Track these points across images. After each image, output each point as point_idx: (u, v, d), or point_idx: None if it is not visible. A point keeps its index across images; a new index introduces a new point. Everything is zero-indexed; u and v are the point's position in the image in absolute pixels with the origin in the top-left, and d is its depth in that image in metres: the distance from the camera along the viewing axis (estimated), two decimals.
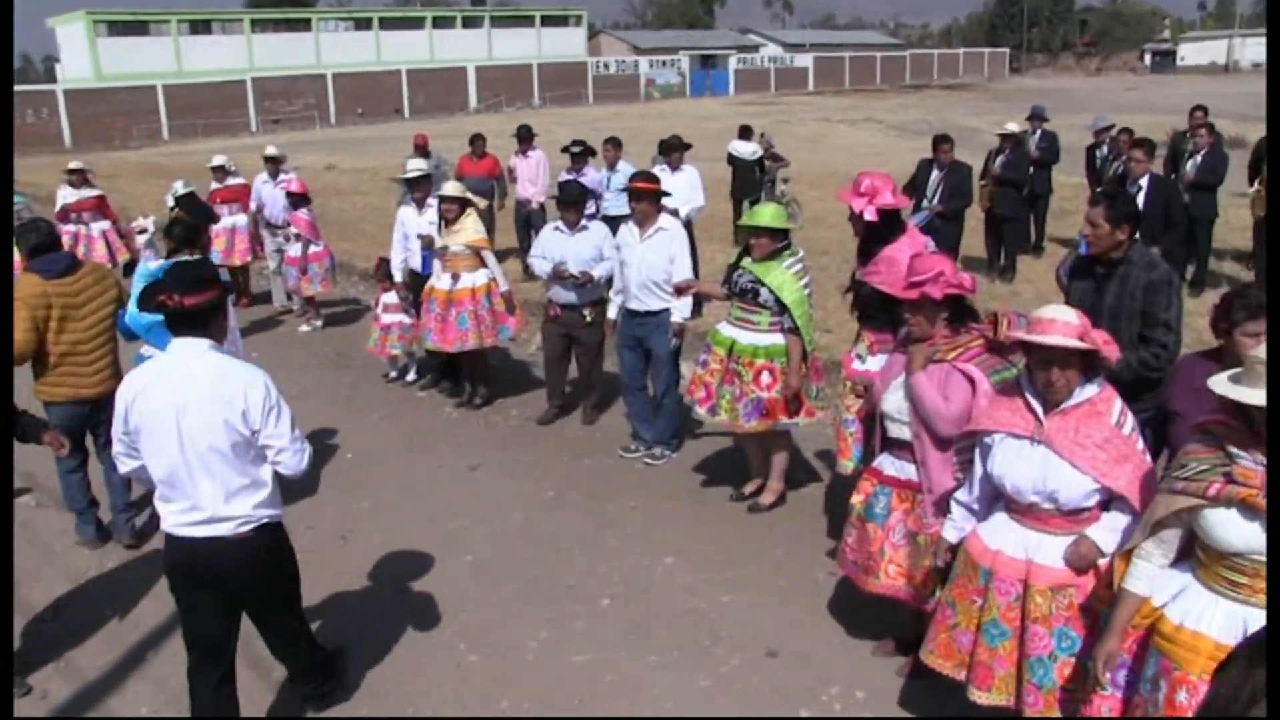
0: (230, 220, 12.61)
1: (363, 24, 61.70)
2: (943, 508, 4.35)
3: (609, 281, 7.74)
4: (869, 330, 5.60)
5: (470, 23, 65.89)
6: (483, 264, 8.45)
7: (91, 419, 6.29)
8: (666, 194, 7.57)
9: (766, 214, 6.22)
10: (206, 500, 3.93)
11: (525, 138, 13.62)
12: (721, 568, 5.94)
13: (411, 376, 9.66)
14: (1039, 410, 3.73)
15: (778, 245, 6.19)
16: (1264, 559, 3.06)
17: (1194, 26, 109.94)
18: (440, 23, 64.28)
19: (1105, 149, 12.98)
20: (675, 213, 8.56)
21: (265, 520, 4.07)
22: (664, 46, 74.65)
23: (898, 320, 4.72)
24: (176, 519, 3.98)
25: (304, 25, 59.53)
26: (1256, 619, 3.09)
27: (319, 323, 11.87)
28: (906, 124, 38.87)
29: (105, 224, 12.87)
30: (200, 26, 56.56)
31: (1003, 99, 52.77)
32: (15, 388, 5.36)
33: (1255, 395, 3.00)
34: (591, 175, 11.89)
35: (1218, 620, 3.18)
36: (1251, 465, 3.06)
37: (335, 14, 64.41)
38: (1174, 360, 4.77)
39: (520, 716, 4.68)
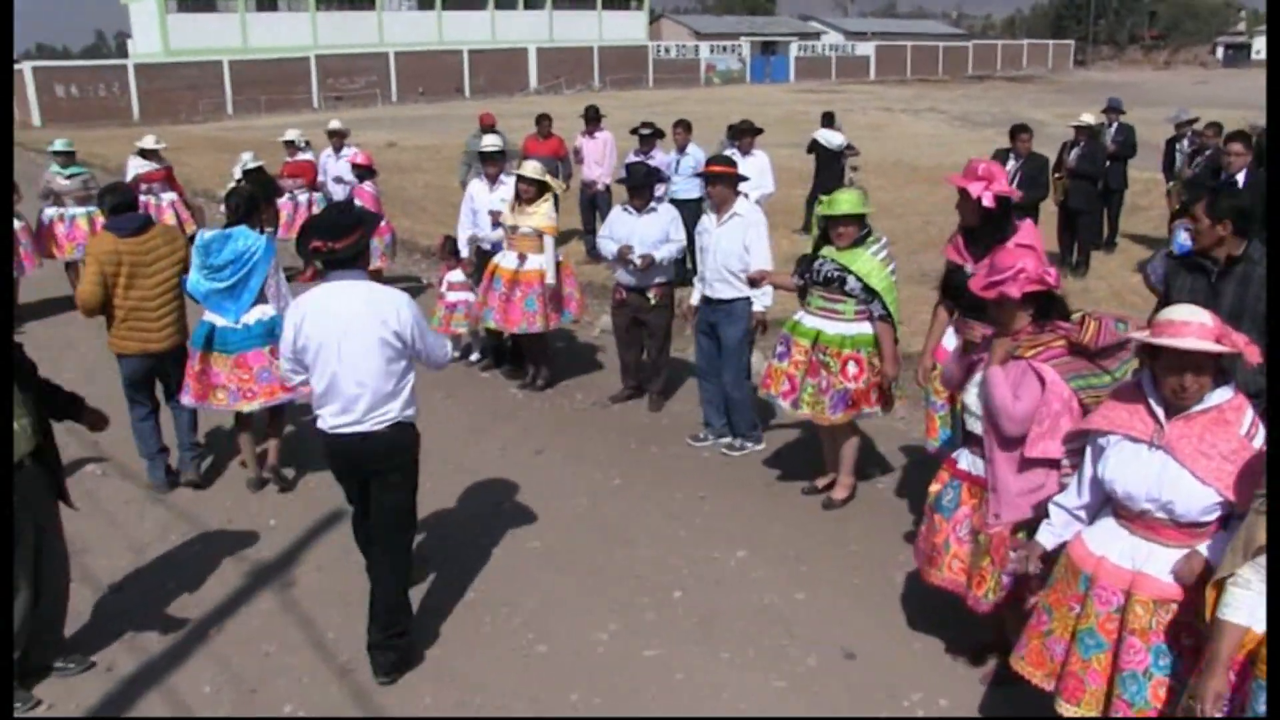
0: (295, 195, 12.65)
1: (425, 3, 61.76)
2: (1010, 509, 4.19)
3: (680, 263, 7.60)
4: (978, 323, 5.36)
5: (532, 4, 65.75)
6: None
7: (160, 369, 6.75)
8: (744, 178, 7.37)
9: (847, 201, 6.02)
10: (360, 406, 4.64)
11: (593, 118, 13.46)
12: (794, 563, 5.77)
13: (475, 356, 9.56)
14: (1160, 414, 3.51)
15: (862, 232, 6.03)
16: None
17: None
18: (502, 3, 64.23)
19: (1186, 143, 12.58)
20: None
21: (402, 419, 4.77)
22: (725, 32, 74.18)
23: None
24: (333, 420, 4.70)
25: (368, 3, 59.71)
26: None
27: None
28: (970, 114, 38.25)
29: (173, 195, 12.90)
30: (266, 3, 56.95)
31: (1068, 91, 51.84)
32: (89, 342, 5.32)
33: None
34: (660, 158, 11.70)
35: None
36: None
37: None
38: None
39: (587, 717, 4.54)
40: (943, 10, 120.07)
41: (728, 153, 10.24)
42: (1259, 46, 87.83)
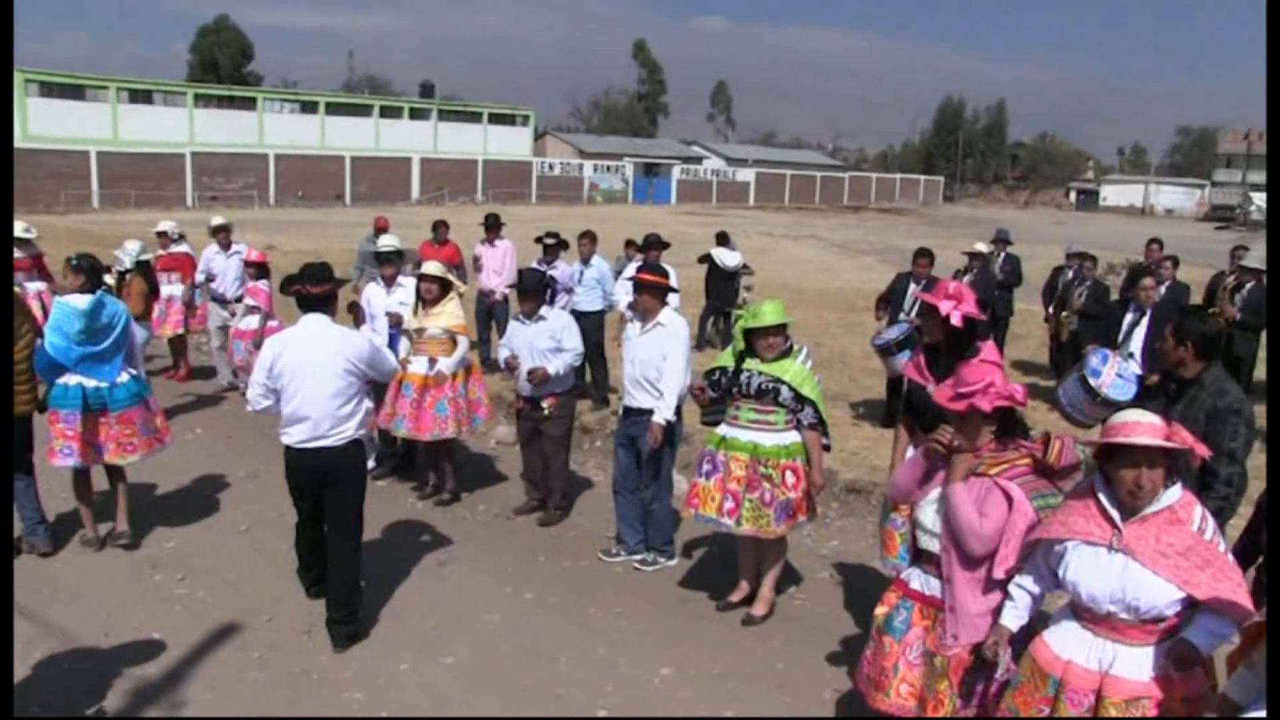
0: (167, 290, 12.12)
1: (309, 107, 61.62)
2: (968, 630, 4.11)
3: (578, 372, 7.55)
4: None
5: (417, 114, 66.20)
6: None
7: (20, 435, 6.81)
8: (674, 289, 7.32)
9: (772, 312, 6.01)
10: (325, 424, 5.73)
11: (493, 226, 13.35)
12: (720, 681, 5.57)
13: (371, 464, 9.17)
14: (1116, 517, 3.60)
15: (787, 344, 6.00)
16: None
17: (1113, 170, 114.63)
18: (387, 112, 64.54)
19: (1070, 273, 13.10)
20: None
21: (356, 437, 5.87)
22: (608, 152, 75.64)
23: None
24: (300, 437, 5.76)
25: (248, 104, 59.25)
26: None
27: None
28: (849, 242, 39.47)
29: (41, 285, 12.22)
30: (140, 96, 55.88)
31: (938, 224, 54.11)
32: None
33: None
34: (563, 269, 11.64)
35: None
36: None
37: (281, 95, 64.21)
38: (1240, 494, 4.68)
39: None
40: (819, 142, 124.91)
41: (631, 266, 10.23)
42: (1106, 194, 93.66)
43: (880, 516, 6.02)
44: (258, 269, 11.04)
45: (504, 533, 7.80)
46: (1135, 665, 3.56)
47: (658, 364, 6.86)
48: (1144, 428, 3.50)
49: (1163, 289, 11.31)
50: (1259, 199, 71.96)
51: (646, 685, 5.51)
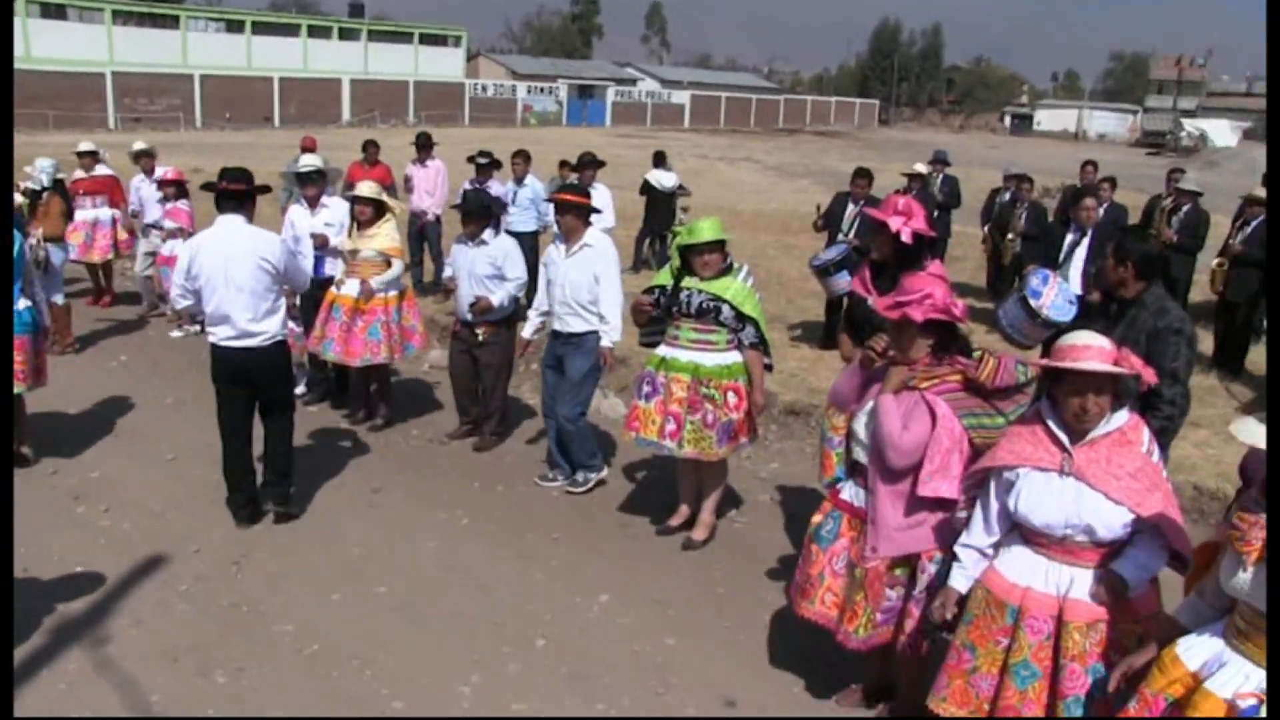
0: (93, 213, 11.57)
1: (234, 26, 59.47)
2: (887, 544, 4.08)
3: (515, 298, 7.40)
4: None
5: (347, 34, 64.31)
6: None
7: None
8: (596, 210, 7.12)
9: (709, 228, 5.85)
10: (244, 325, 5.97)
11: (424, 145, 13.00)
12: (660, 607, 5.49)
13: (300, 390, 8.94)
14: (1065, 441, 3.54)
15: (726, 261, 5.87)
16: (1255, 609, 2.93)
17: (1047, 95, 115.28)
18: (315, 32, 62.58)
19: (1008, 195, 13.08)
20: None
21: (280, 337, 6.16)
22: (542, 74, 74.36)
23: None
24: (222, 337, 6.01)
25: (171, 21, 57.04)
26: (1231, 661, 3.00)
27: (194, 327, 10.99)
28: (784, 165, 39.24)
29: None
30: (53, 10, 53.39)
31: (874, 147, 54.01)
32: None
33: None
34: (496, 188, 11.37)
35: (1201, 654, 3.09)
36: (1251, 510, 2.93)
37: (205, 13, 61.95)
38: (1183, 414, 4.65)
39: None
40: (754, 65, 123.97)
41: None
42: (1040, 118, 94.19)
43: (819, 436, 5.95)
44: (176, 188, 10.62)
45: (438, 458, 7.64)
46: (1092, 588, 3.53)
47: (589, 286, 6.68)
48: (1092, 351, 3.44)
49: (1101, 210, 11.32)
50: (1189, 125, 72.89)
51: (585, 612, 5.42)
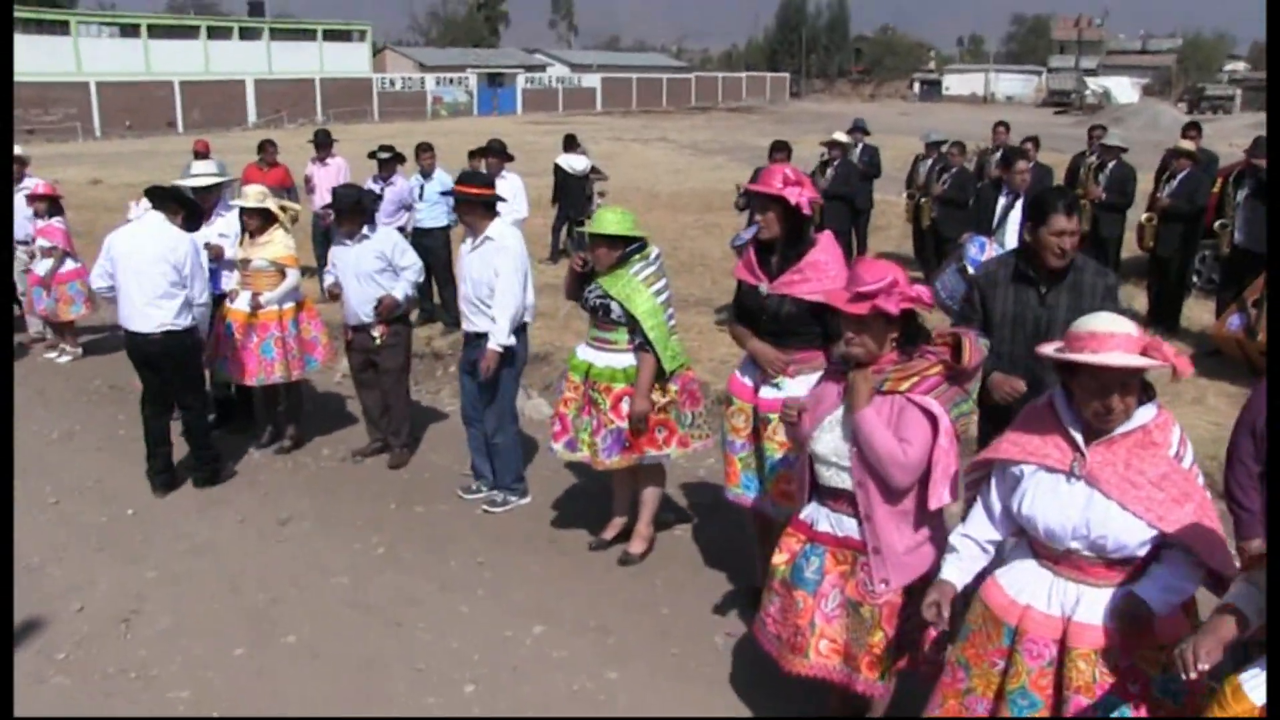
0: None
1: (129, 30, 57.39)
2: (900, 571, 3.58)
3: (423, 292, 6.87)
4: (794, 349, 4.75)
5: (248, 34, 62.44)
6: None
7: None
8: (499, 198, 6.59)
9: (604, 220, 5.37)
10: (139, 314, 6.41)
11: (323, 144, 12.33)
12: (600, 635, 5.01)
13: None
14: (1079, 439, 3.02)
15: (623, 252, 5.37)
16: None
17: (954, 60, 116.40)
18: (215, 33, 60.67)
19: (930, 161, 12.77)
20: None
21: (177, 327, 6.49)
22: (450, 64, 73.07)
23: (832, 336, 3.94)
24: (126, 322, 6.50)
25: (61, 27, 54.88)
26: None
27: (78, 350, 10.24)
28: (698, 143, 38.89)
29: None
30: None
31: (787, 121, 53.86)
32: None
33: None
34: (401, 183, 10.77)
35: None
36: None
37: (97, 17, 59.69)
38: None
39: None
40: (663, 44, 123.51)
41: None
42: (948, 84, 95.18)
43: (720, 439, 5.27)
44: (49, 204, 9.85)
45: (351, 479, 7.07)
46: (1102, 608, 3.03)
47: (489, 282, 6.14)
48: (1117, 340, 2.89)
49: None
50: (1093, 83, 74.11)
51: (517, 648, 4.91)
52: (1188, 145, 10.37)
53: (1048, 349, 3.08)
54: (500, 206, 6.44)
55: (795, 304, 4.57)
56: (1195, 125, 11.55)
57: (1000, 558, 3.35)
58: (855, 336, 3.53)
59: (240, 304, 7.16)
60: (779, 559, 3.86)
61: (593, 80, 77.23)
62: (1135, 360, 2.87)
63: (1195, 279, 11.56)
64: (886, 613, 3.58)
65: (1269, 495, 2.31)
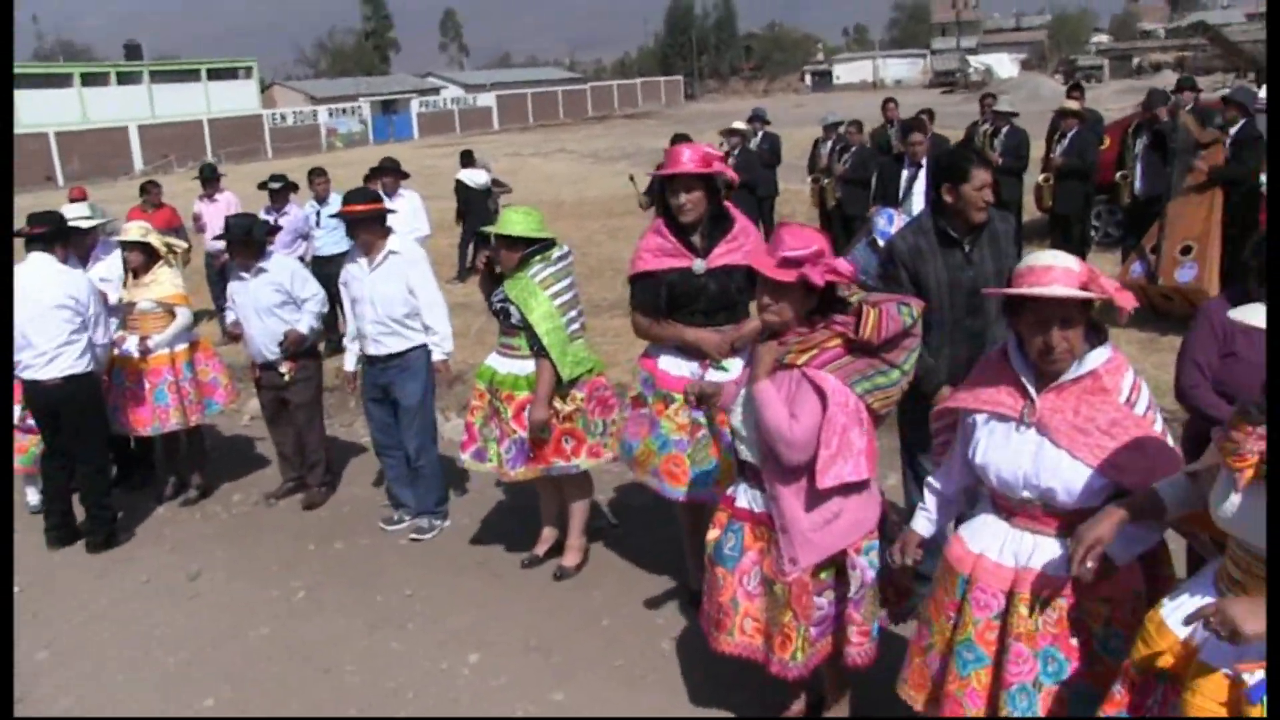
0: None
1: None
2: (807, 550, 3.43)
3: (328, 323, 6.58)
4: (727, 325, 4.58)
5: (126, 79, 60.87)
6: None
7: None
8: (390, 211, 6.33)
9: (516, 220, 5.17)
10: (38, 358, 6.04)
11: (210, 178, 11.89)
12: (541, 656, 4.76)
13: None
14: (1029, 385, 2.93)
15: (523, 253, 5.15)
16: (1247, 548, 2.33)
17: (841, 50, 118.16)
18: (90, 79, 59.02)
19: (830, 143, 12.73)
20: None
21: (75, 372, 6.12)
22: (342, 95, 72.13)
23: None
24: (25, 367, 6.09)
25: None
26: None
27: None
28: (599, 152, 38.85)
29: None
30: None
31: (684, 123, 53.95)
32: None
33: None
34: (296, 212, 10.40)
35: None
36: (1247, 419, 2.27)
37: None
38: None
39: None
40: (556, 58, 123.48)
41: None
42: (838, 73, 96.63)
43: (649, 444, 4.91)
44: None
45: (265, 524, 6.70)
46: (1054, 559, 2.92)
47: (404, 299, 5.90)
48: (1055, 273, 2.80)
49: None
50: (975, 62, 75.79)
51: (454, 679, 4.63)
52: (1073, 105, 10.58)
53: (994, 289, 3.03)
54: (401, 224, 6.24)
55: (730, 277, 4.44)
56: (1078, 86, 11.88)
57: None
58: (773, 303, 3.38)
59: (129, 348, 6.76)
60: (712, 534, 3.77)
61: (488, 99, 76.78)
62: (1071, 291, 2.76)
63: (1093, 234, 11.73)
64: (796, 591, 3.45)
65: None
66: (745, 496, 3.65)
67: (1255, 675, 2.20)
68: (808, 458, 3.35)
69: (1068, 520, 2.89)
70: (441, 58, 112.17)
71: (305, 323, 6.56)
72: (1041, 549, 2.94)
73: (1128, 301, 2.80)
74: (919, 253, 4.40)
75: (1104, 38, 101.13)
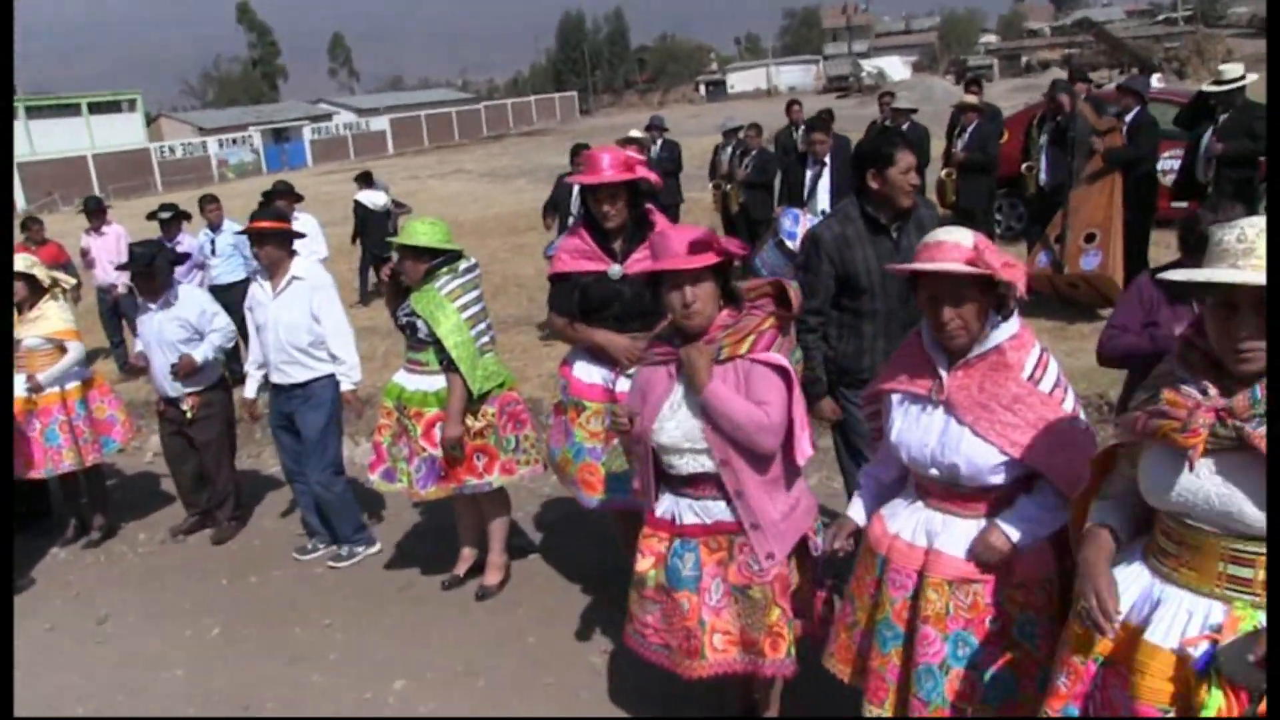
0: None
1: None
2: (781, 540, 3.37)
3: (230, 356, 6.39)
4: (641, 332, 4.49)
5: None
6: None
7: None
8: (299, 234, 6.17)
9: (422, 230, 5.04)
10: None
11: (95, 211, 11.50)
12: (468, 679, 4.65)
13: None
14: (939, 364, 2.92)
15: (429, 265, 5.04)
16: (1191, 523, 2.27)
17: (734, 59, 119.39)
18: None
19: (730, 148, 12.78)
20: None
21: None
22: (232, 124, 70.73)
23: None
24: None
25: None
26: (1167, 599, 2.30)
27: None
28: (496, 170, 38.60)
29: None
30: None
31: (581, 138, 53.30)
32: None
33: (1215, 274, 2.16)
34: (189, 241, 10.10)
35: (1129, 596, 2.38)
36: (1191, 392, 2.23)
37: None
38: None
39: None
40: (448, 79, 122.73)
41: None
42: (732, 82, 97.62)
43: (566, 452, 4.77)
44: None
45: (174, 563, 6.46)
46: (964, 540, 2.89)
47: (308, 326, 5.74)
48: (945, 249, 2.77)
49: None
50: (867, 65, 77.27)
51: (380, 709, 4.50)
52: (973, 99, 10.71)
53: (894, 265, 3.03)
54: (300, 246, 6.03)
55: (647, 284, 4.37)
56: (976, 81, 12.01)
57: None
58: (694, 300, 3.27)
59: (17, 389, 6.47)
60: (644, 564, 3.55)
61: (381, 123, 75.95)
62: (956, 267, 2.73)
63: (996, 228, 11.93)
64: (779, 587, 3.37)
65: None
66: (691, 512, 3.45)
67: (1200, 648, 2.17)
68: (780, 441, 3.30)
69: (976, 500, 2.89)
70: (332, 84, 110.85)
71: (202, 351, 6.34)
72: (951, 530, 2.92)
73: (1013, 276, 2.75)
74: (846, 241, 4.32)
75: (992, 38, 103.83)
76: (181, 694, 4.85)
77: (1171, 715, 2.22)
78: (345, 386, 5.82)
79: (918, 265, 2.80)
